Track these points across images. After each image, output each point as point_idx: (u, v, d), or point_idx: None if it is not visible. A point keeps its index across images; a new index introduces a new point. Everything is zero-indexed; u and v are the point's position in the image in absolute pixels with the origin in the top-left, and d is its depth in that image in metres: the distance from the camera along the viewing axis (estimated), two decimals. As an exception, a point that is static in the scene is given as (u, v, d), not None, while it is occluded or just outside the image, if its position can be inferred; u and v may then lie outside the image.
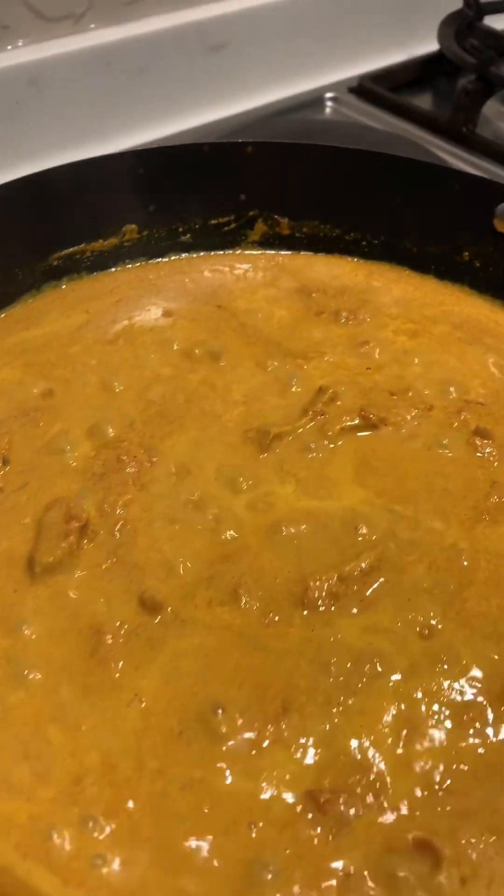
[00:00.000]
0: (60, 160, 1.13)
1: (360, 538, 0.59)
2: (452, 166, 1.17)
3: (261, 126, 1.29)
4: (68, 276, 0.81)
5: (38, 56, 1.12)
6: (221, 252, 0.85)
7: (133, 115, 1.23)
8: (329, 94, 1.39)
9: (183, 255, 0.85)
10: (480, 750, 0.48)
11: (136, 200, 0.82)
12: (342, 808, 0.46)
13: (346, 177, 0.83)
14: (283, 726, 0.49)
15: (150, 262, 0.84)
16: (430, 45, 1.43)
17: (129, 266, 0.84)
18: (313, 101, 1.39)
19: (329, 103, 1.40)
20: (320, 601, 0.55)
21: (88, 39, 1.17)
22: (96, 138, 1.18)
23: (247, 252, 0.86)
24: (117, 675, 0.51)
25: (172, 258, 0.85)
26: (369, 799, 0.46)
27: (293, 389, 0.71)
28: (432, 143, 1.27)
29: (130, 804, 0.46)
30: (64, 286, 0.81)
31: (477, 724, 0.50)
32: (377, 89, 1.37)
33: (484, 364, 0.75)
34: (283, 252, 0.86)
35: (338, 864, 0.44)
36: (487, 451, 0.66)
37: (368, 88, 1.38)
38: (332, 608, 0.55)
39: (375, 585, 0.56)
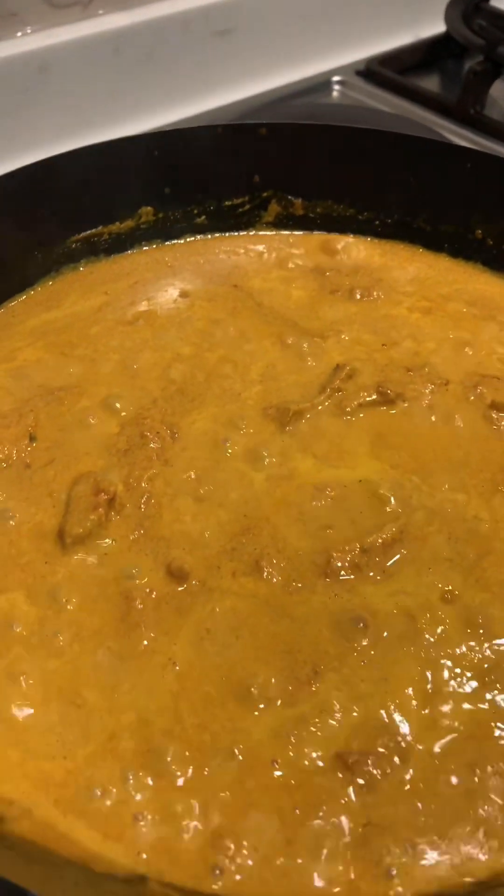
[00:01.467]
0: (70, 147, 1.14)
1: (381, 509, 0.60)
2: (462, 147, 1.18)
3: (268, 110, 1.29)
4: (86, 259, 0.82)
5: (47, 43, 1.13)
6: (236, 233, 0.86)
7: (141, 100, 1.23)
8: (336, 78, 1.39)
9: (198, 236, 0.86)
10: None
11: (152, 183, 0.83)
12: (370, 769, 0.47)
13: (359, 157, 0.84)
14: (315, 689, 0.50)
15: (166, 243, 0.85)
16: (438, 27, 1.43)
17: (146, 248, 0.85)
18: (321, 84, 1.39)
19: (336, 87, 1.40)
20: (342, 571, 0.56)
21: (97, 25, 1.17)
22: (105, 124, 1.19)
23: (261, 233, 0.87)
24: (149, 640, 0.53)
25: (188, 240, 0.86)
26: (396, 760, 0.48)
27: (310, 367, 0.72)
28: (441, 125, 1.27)
29: (167, 758, 0.47)
30: (82, 268, 0.82)
31: (498, 686, 0.51)
32: (385, 72, 1.38)
33: (498, 340, 0.76)
34: (296, 232, 0.87)
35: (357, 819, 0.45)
36: (503, 424, 0.67)
37: (376, 71, 1.38)
38: (354, 577, 0.56)
39: (397, 556, 0.57)
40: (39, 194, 0.78)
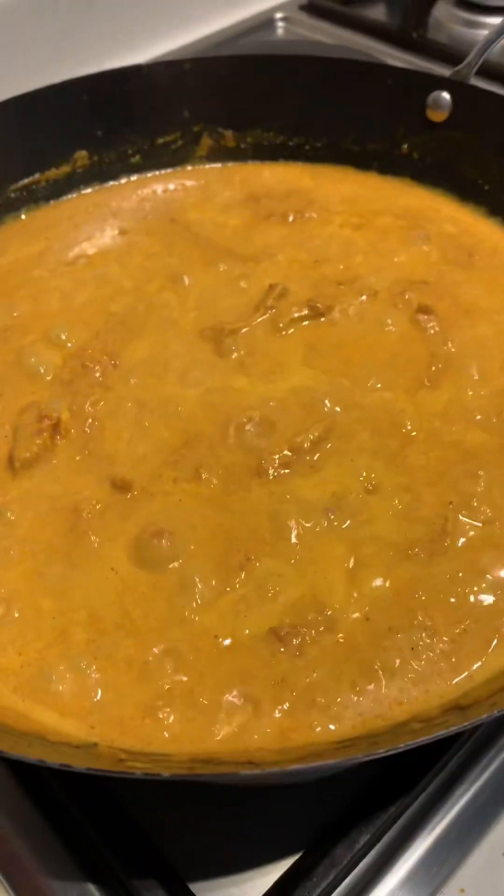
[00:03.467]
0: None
1: (311, 412, 0.64)
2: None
3: (214, 52, 1.30)
4: (26, 207, 0.85)
5: (-18, 1, 1.13)
6: (171, 169, 0.89)
7: (83, 50, 1.24)
8: (279, 14, 1.39)
9: (135, 175, 0.88)
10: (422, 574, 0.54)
11: (83, 127, 0.85)
12: (299, 640, 0.51)
13: (282, 83, 0.85)
14: (251, 573, 0.55)
15: (104, 185, 0.88)
16: (379, -47, 1.43)
17: (85, 191, 0.87)
18: (264, 22, 1.39)
19: (280, 24, 1.40)
20: (272, 470, 0.60)
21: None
22: (50, 79, 1.20)
23: (196, 167, 0.89)
24: (96, 544, 0.57)
25: (125, 180, 0.88)
26: (322, 629, 0.52)
27: (245, 290, 0.75)
28: (385, 52, 1.27)
29: (114, 643, 0.52)
30: (23, 216, 0.85)
31: (420, 556, 0.55)
32: (327, 4, 1.38)
33: (426, 248, 0.78)
34: (230, 164, 0.89)
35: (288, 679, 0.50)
36: (430, 325, 0.70)
37: (318, 4, 1.38)
38: (285, 473, 0.60)
39: (323, 452, 0.61)
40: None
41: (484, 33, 1.29)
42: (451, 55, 1.23)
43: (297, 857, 0.51)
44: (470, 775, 0.56)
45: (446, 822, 0.55)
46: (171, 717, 0.49)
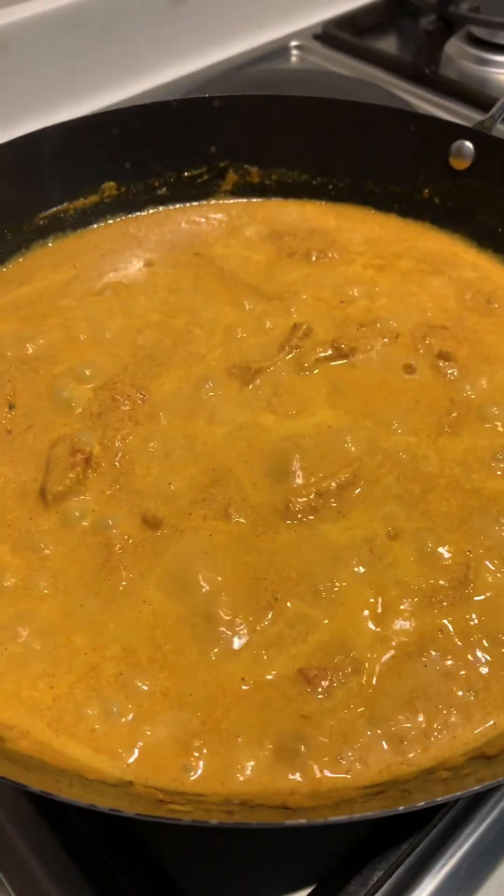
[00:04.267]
0: (33, 125, 1.17)
1: (337, 454, 0.66)
2: (416, 108, 1.21)
3: (229, 79, 1.32)
4: (54, 235, 0.86)
5: (5, 21, 1.15)
6: (196, 203, 0.91)
7: (102, 74, 1.26)
8: (294, 43, 1.42)
9: (160, 207, 0.90)
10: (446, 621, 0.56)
11: (112, 159, 0.87)
12: (327, 682, 0.53)
13: (310, 124, 0.88)
14: (279, 614, 0.56)
15: (130, 216, 0.89)
16: (393, -12, 1.45)
17: (111, 221, 0.89)
18: (279, 50, 1.41)
19: (294, 52, 1.42)
20: (300, 514, 0.62)
21: (54, 1, 1.19)
22: (67, 101, 1.22)
23: (221, 201, 0.91)
24: (127, 581, 0.58)
25: (151, 211, 0.90)
26: (349, 670, 0.54)
27: (270, 328, 0.77)
28: (397, 86, 1.30)
29: (147, 680, 0.53)
30: (51, 244, 0.86)
31: (444, 603, 0.57)
32: (341, 35, 1.40)
33: (446, 293, 0.80)
34: (254, 199, 0.91)
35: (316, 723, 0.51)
36: (450, 371, 0.73)
37: (333, 34, 1.41)
38: (312, 518, 0.62)
39: (351, 496, 0.63)
40: (5, 176, 0.81)
41: (494, 71, 1.34)
42: (462, 92, 1.26)
43: (308, 890, 0.53)
44: (480, 813, 0.58)
45: (456, 858, 0.56)
46: (204, 756, 0.50)
